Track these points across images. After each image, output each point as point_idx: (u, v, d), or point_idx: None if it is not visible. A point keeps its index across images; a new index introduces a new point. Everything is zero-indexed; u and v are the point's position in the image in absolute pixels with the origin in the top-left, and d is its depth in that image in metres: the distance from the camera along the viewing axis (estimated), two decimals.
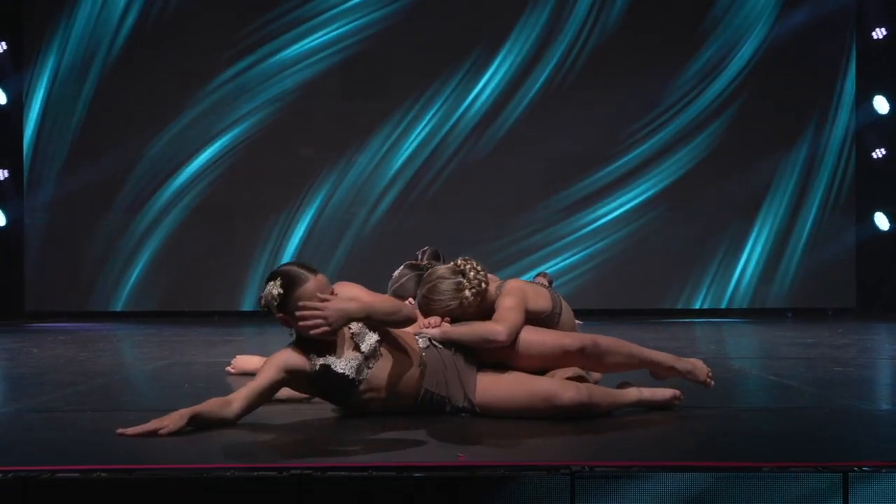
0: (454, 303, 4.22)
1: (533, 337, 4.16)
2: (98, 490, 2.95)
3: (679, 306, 11.67)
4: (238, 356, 5.69)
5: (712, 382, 4.32)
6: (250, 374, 5.25)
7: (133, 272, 11.56)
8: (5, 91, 11.42)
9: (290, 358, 3.91)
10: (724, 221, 11.73)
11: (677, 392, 4.23)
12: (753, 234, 11.75)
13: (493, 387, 4.07)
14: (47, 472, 2.98)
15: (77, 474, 2.98)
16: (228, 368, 5.62)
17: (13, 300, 11.38)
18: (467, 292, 4.20)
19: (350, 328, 3.98)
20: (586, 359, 4.14)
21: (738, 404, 4.62)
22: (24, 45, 11.48)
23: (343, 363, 3.91)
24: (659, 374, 4.35)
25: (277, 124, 11.62)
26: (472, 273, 4.24)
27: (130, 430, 3.61)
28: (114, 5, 11.48)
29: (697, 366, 4.33)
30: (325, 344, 3.94)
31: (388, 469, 3.01)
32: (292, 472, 2.97)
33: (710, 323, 10.49)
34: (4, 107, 11.44)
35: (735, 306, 11.70)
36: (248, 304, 11.55)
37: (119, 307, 11.52)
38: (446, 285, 4.23)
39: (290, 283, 3.87)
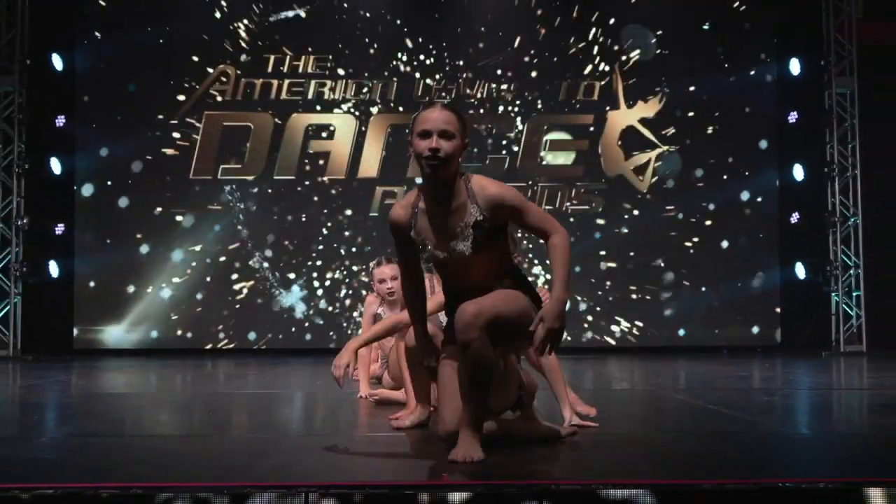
0: None
1: None
2: None
3: (630, 344, 11.66)
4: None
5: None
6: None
7: (163, 318, 11.54)
8: (61, 162, 11.46)
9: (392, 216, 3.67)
10: (666, 267, 11.76)
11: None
12: (695, 279, 11.77)
13: None
14: (91, 488, 2.95)
15: (117, 491, 2.95)
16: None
17: (64, 339, 11.35)
18: None
19: (474, 221, 3.55)
20: None
21: (680, 429, 4.61)
22: (75, 118, 11.54)
23: (430, 247, 3.62)
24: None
25: (275, 182, 11.66)
26: None
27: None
28: (153, 87, 11.56)
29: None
30: (438, 191, 3.59)
31: (381, 487, 2.98)
32: (299, 489, 2.94)
33: (655, 358, 10.45)
34: (60, 176, 11.48)
35: (676, 344, 11.69)
36: (258, 342, 11.55)
37: (152, 346, 11.47)
38: None
39: (413, 120, 3.61)
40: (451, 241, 3.55)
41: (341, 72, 11.76)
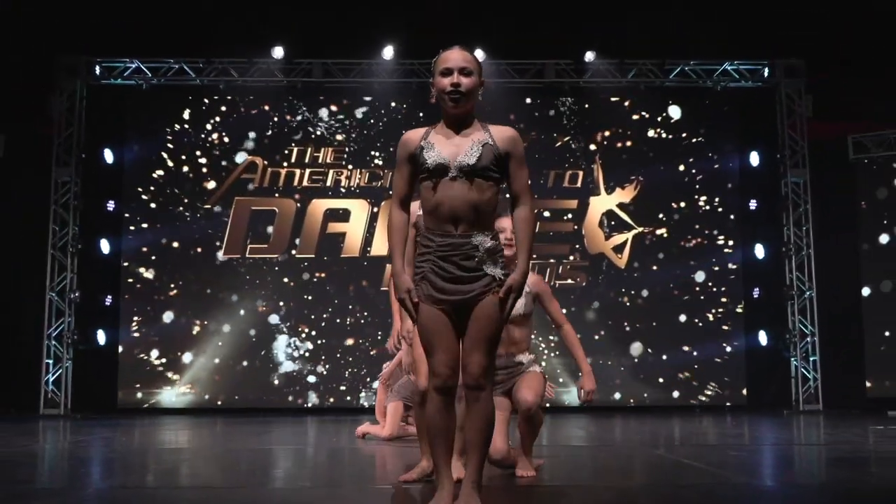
0: None
1: None
2: None
3: (613, 403, 11.57)
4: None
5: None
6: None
7: (195, 381, 11.50)
8: (109, 242, 11.58)
9: (404, 138, 3.51)
10: (643, 335, 11.74)
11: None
12: (669, 346, 11.73)
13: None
14: None
15: None
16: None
17: (108, 398, 11.32)
18: None
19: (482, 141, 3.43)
20: None
21: (659, 482, 4.57)
22: (122, 203, 11.67)
23: (434, 154, 3.42)
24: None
25: (296, 260, 11.72)
26: None
27: None
28: (190, 175, 11.71)
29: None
30: (455, 125, 3.47)
31: None
32: None
33: (633, 416, 10.37)
34: (109, 255, 11.59)
35: (651, 403, 11.61)
36: (275, 402, 11.47)
37: (187, 406, 11.41)
38: None
39: (434, 62, 3.49)
40: (458, 157, 3.44)
41: (355, 162, 11.91)
